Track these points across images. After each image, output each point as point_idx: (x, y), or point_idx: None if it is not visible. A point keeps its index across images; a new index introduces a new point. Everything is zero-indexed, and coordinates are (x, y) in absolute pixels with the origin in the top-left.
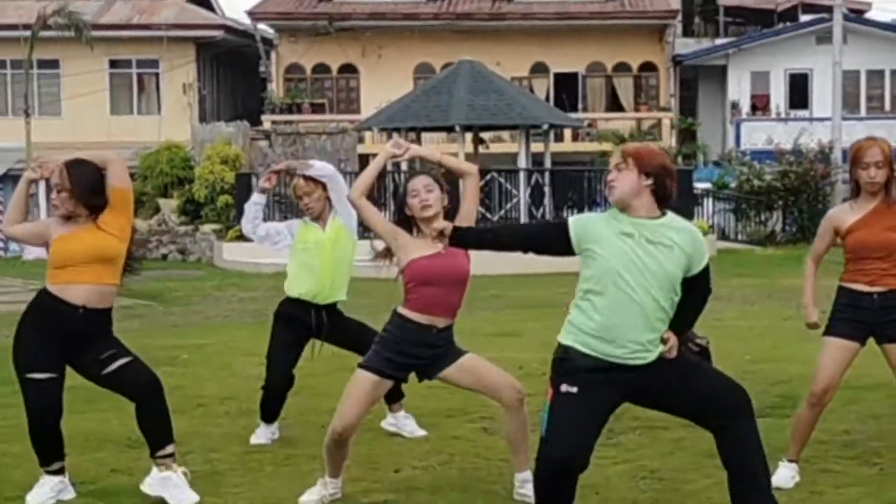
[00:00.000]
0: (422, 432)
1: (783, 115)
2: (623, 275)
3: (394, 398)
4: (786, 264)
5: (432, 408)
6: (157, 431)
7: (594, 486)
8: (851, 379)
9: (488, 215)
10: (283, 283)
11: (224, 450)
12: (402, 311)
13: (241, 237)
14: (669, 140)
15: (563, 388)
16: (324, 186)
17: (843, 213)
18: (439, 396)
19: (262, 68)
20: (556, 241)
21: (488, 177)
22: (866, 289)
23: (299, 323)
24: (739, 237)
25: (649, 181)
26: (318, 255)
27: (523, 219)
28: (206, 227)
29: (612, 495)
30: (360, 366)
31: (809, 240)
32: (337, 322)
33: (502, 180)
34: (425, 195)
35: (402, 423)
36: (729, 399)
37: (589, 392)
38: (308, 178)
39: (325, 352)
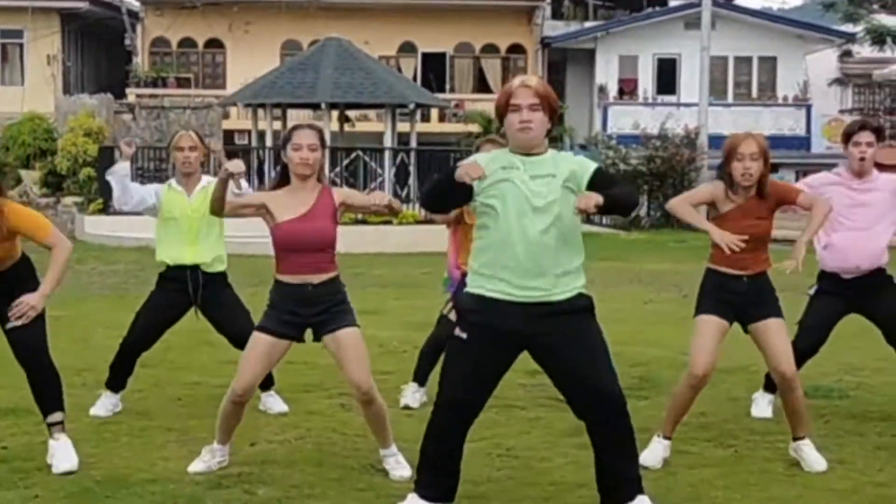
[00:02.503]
0: (284, 407)
1: (650, 100)
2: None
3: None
4: (649, 249)
5: (290, 382)
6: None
7: None
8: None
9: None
10: (144, 256)
11: (79, 420)
12: (276, 274)
13: (103, 210)
14: None
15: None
16: (205, 147)
17: (723, 196)
18: (298, 371)
19: (127, 41)
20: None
21: (353, 155)
22: (736, 272)
23: (175, 287)
24: (604, 221)
25: (550, 125)
26: (185, 225)
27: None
28: (68, 200)
29: (467, 472)
30: (256, 328)
31: (674, 225)
32: (213, 291)
33: (367, 159)
34: (307, 153)
35: (267, 401)
36: (608, 397)
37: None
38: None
39: (186, 326)
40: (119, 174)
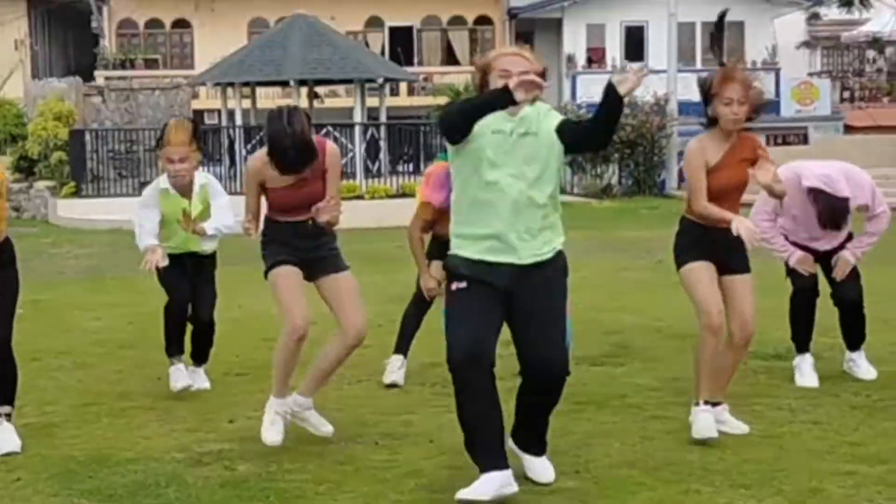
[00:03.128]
0: (206, 384)
1: (619, 68)
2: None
3: None
4: (622, 217)
5: (266, 359)
6: None
7: (428, 433)
8: (684, 328)
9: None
10: (118, 238)
11: (59, 402)
12: (270, 215)
13: (76, 194)
14: None
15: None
16: (198, 155)
17: (705, 150)
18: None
19: (94, 24)
20: None
21: (323, 131)
22: (717, 224)
23: (176, 264)
24: (575, 190)
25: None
26: (178, 228)
27: (359, 174)
28: (40, 184)
29: (446, 442)
30: (270, 266)
31: (646, 192)
32: (202, 268)
33: (337, 134)
34: None
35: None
36: (550, 368)
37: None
38: (186, 142)
39: (158, 307)
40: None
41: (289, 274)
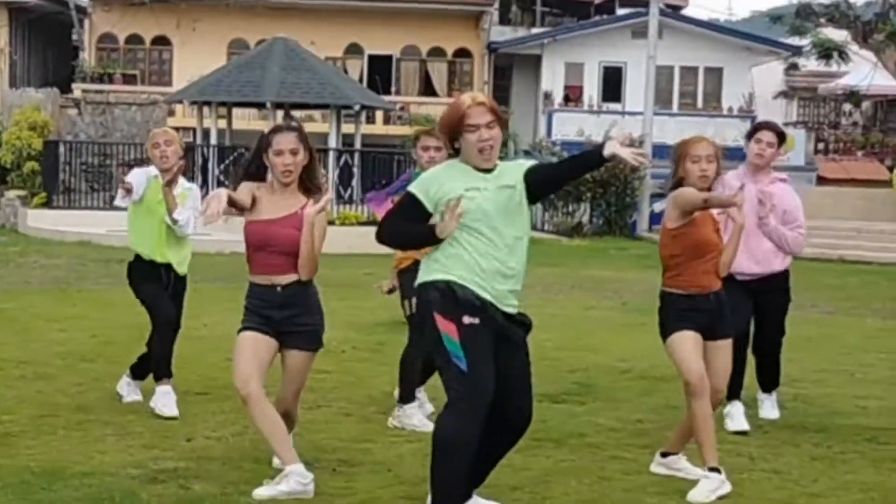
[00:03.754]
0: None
1: (595, 108)
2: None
3: None
4: (591, 256)
5: (228, 380)
6: None
7: (387, 462)
8: (648, 370)
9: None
10: (86, 251)
11: (18, 412)
12: (249, 276)
13: (46, 204)
14: None
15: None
16: (182, 147)
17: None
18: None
19: (74, 36)
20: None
21: None
22: (702, 291)
23: (153, 276)
24: (546, 227)
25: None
26: (158, 216)
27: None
28: (12, 193)
29: (405, 472)
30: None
31: (616, 233)
32: (178, 288)
33: None
34: (290, 158)
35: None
36: (519, 417)
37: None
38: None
39: (125, 321)
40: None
41: (244, 339)
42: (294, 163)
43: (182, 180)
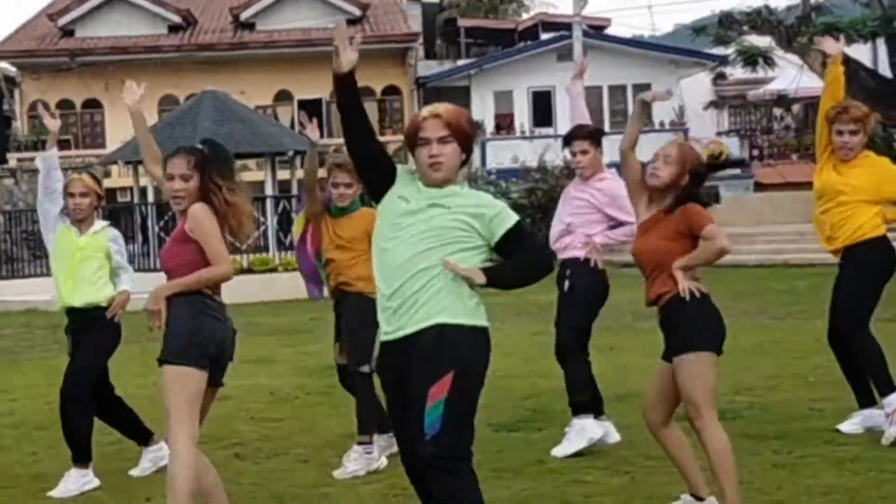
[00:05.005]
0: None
1: (528, 133)
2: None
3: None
4: None
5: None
6: None
7: None
8: (602, 391)
9: (237, 244)
10: (32, 319)
11: None
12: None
13: None
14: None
15: None
16: (98, 195)
17: (645, 205)
18: None
19: (5, 106)
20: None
21: None
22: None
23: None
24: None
25: (465, 156)
26: (65, 262)
27: (272, 247)
28: None
29: None
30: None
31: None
32: (82, 333)
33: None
34: (179, 184)
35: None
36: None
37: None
38: (88, 183)
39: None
40: (50, 159)
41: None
42: (184, 189)
43: (98, 221)
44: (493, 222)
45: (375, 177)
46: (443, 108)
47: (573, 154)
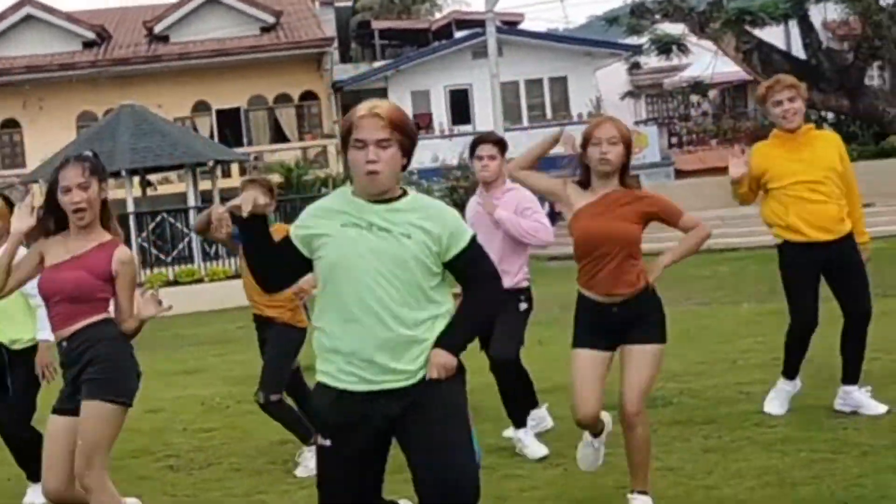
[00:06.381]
0: None
1: (447, 132)
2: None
3: None
4: None
5: (117, 450)
6: None
7: None
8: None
9: (162, 256)
10: None
11: None
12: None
13: None
14: (337, 167)
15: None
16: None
17: (576, 191)
18: (123, 439)
19: None
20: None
21: (158, 219)
22: (603, 299)
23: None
24: None
25: (405, 161)
26: None
27: (197, 258)
28: None
29: None
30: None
31: None
32: (15, 369)
33: (173, 220)
34: (78, 194)
35: None
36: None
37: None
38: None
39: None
40: None
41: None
42: (86, 199)
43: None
44: (447, 240)
45: (302, 267)
46: (384, 105)
47: (479, 159)
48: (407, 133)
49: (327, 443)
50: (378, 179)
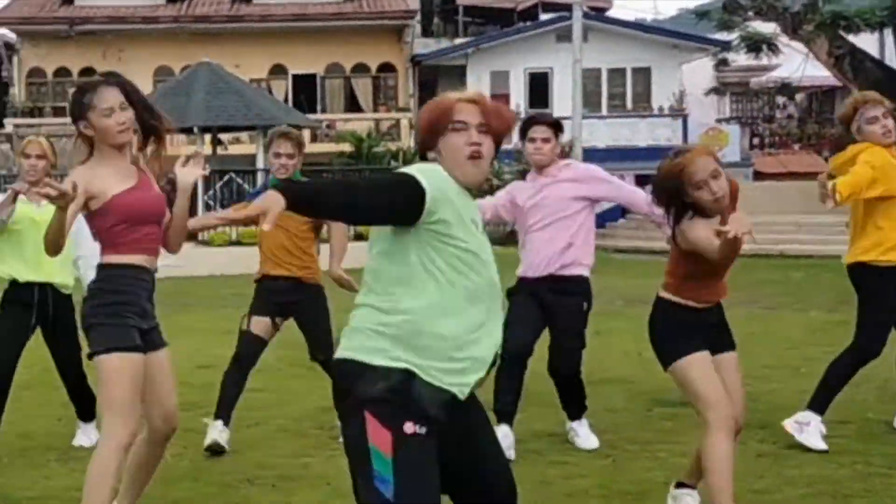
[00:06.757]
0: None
1: (523, 115)
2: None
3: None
4: (505, 264)
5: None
6: None
7: (325, 476)
8: (588, 374)
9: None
10: None
11: None
12: (107, 258)
13: None
14: (408, 141)
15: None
16: (53, 161)
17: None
18: None
19: (3, 73)
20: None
21: (227, 177)
22: (702, 305)
23: (20, 305)
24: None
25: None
26: (29, 235)
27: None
28: None
29: (343, 485)
30: (104, 351)
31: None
32: (61, 313)
33: (241, 181)
34: (121, 115)
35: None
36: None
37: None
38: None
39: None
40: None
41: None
42: (129, 119)
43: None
44: None
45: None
46: (477, 94)
47: (532, 141)
48: (503, 124)
49: (423, 431)
50: (482, 164)
